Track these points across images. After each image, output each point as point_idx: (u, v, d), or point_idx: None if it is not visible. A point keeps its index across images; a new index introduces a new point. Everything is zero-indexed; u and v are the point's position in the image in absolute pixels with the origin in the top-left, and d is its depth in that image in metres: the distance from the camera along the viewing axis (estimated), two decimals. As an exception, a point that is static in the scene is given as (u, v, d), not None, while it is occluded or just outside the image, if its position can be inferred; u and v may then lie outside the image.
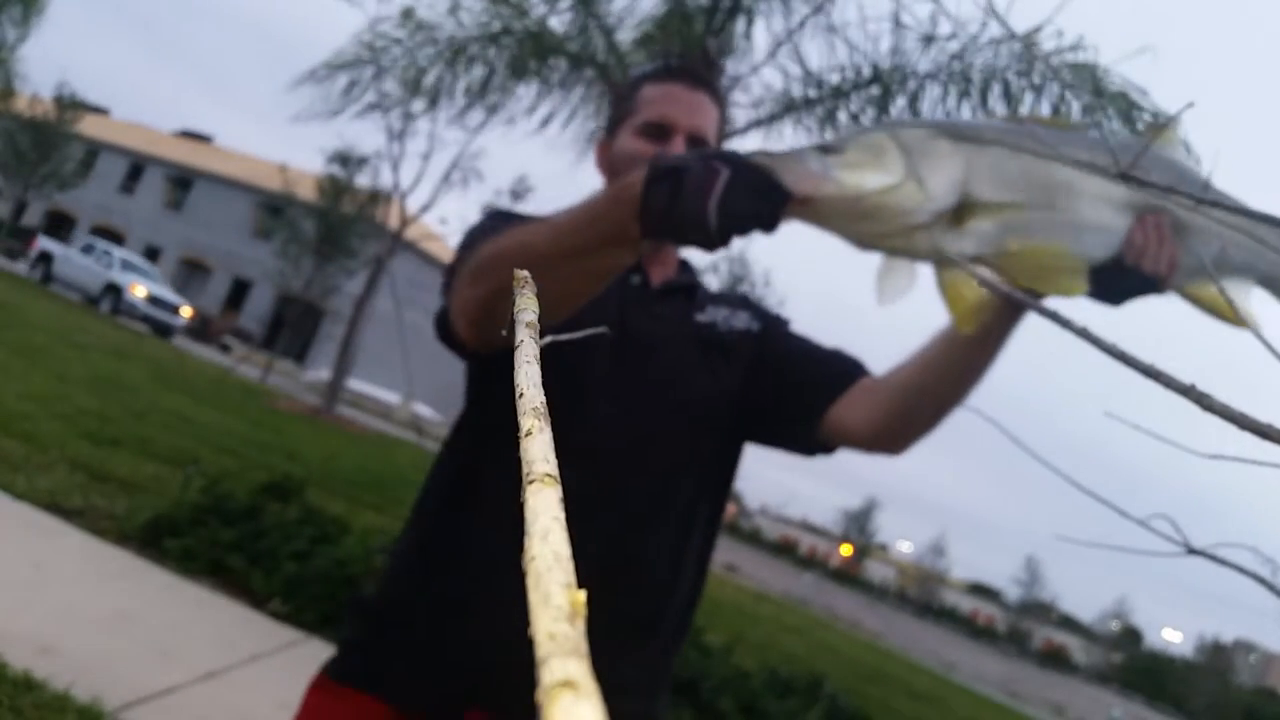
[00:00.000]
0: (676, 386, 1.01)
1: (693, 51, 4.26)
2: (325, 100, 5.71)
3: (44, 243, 19.63)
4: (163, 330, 18.17)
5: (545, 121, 5.09)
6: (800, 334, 1.11)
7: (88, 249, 19.13)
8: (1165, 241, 0.76)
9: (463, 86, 5.12)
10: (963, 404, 0.93)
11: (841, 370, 1.04)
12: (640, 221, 0.71)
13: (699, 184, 0.67)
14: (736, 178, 0.67)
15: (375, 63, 5.39)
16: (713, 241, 0.69)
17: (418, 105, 5.39)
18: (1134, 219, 0.76)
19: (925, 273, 0.78)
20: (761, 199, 0.67)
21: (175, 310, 18.62)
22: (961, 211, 0.72)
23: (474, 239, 0.97)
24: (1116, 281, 0.77)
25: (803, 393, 1.04)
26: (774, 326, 1.11)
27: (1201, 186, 0.78)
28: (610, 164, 1.05)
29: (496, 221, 1.03)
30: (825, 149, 0.70)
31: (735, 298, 1.13)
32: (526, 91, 5.09)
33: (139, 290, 17.72)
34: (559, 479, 0.36)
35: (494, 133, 5.18)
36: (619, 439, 0.95)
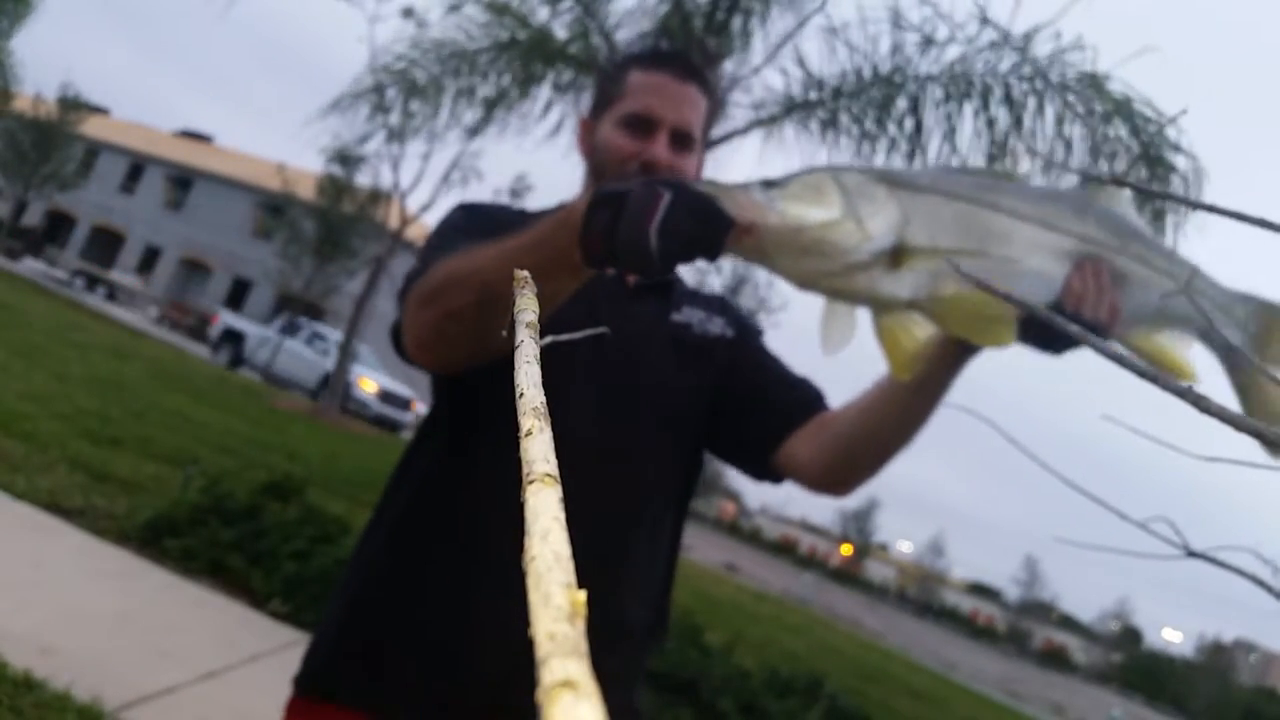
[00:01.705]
0: (654, 387, 0.99)
1: (694, 51, 4.26)
2: (350, 127, 5.85)
3: (229, 319, 16.04)
4: (392, 427, 15.11)
5: (557, 128, 5.10)
6: (772, 352, 1.09)
7: (291, 328, 15.73)
8: (1105, 289, 0.76)
9: (479, 97, 5.14)
10: (904, 449, 0.93)
11: (805, 400, 1.03)
12: (581, 247, 0.70)
13: (640, 208, 0.66)
14: (678, 201, 0.66)
15: (394, 86, 5.44)
16: (653, 266, 0.67)
17: (436, 120, 5.42)
18: (1072, 266, 0.77)
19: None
20: (704, 223, 0.67)
21: (407, 405, 15.54)
22: (898, 255, 0.73)
23: (439, 240, 0.96)
24: (1043, 329, 0.75)
25: (766, 416, 1.03)
26: (748, 337, 1.09)
27: (1145, 239, 0.79)
28: (592, 150, 1.02)
29: (466, 218, 1.01)
30: (768, 184, 0.71)
31: (712, 299, 1.11)
32: (537, 98, 5.10)
33: (369, 385, 14.85)
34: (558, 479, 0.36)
35: (509, 140, 5.17)
36: (595, 440, 0.93)
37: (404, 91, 5.43)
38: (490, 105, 5.12)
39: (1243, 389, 0.82)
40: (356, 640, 0.96)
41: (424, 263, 0.92)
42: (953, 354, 0.83)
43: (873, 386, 0.93)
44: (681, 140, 0.98)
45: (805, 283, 0.73)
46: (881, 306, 0.75)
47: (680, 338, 1.03)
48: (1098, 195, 0.81)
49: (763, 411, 1.03)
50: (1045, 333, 0.76)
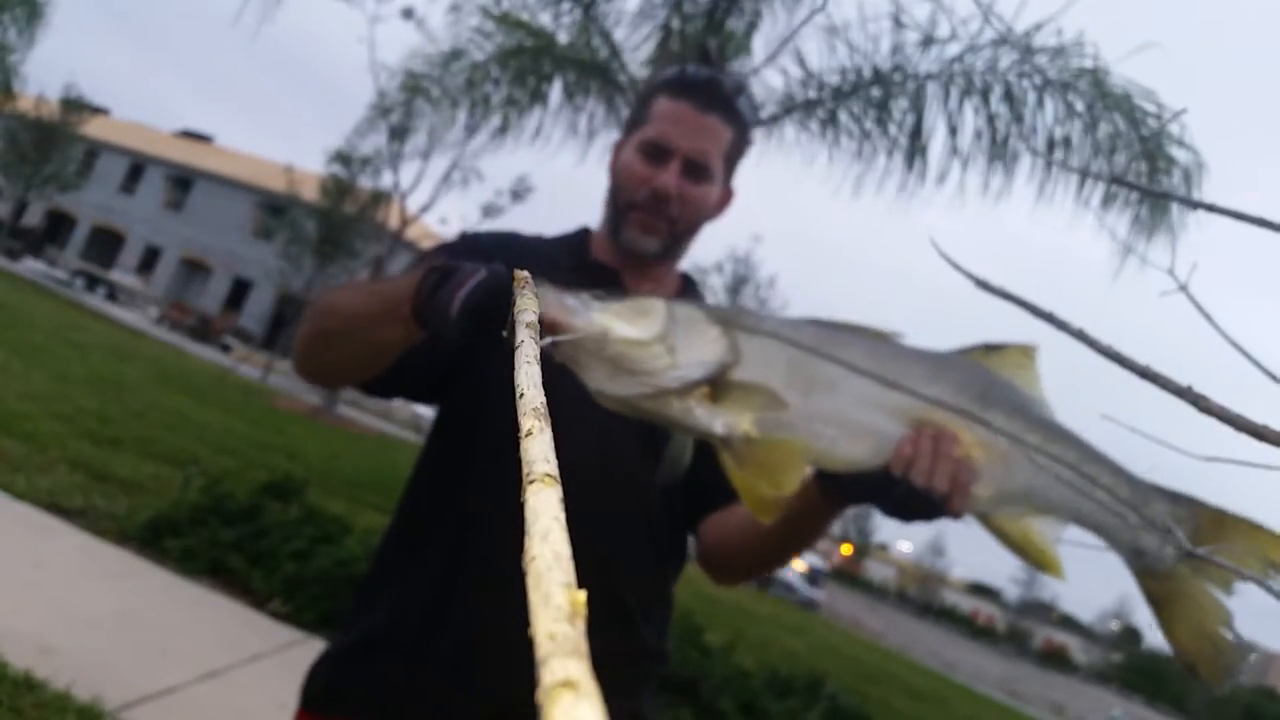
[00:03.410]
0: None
1: (694, 52, 4.26)
2: (365, 140, 5.91)
3: None
4: (807, 606, 13.54)
5: (570, 129, 5.11)
6: None
7: None
8: (941, 456, 0.72)
9: (493, 105, 5.16)
10: (772, 570, 0.97)
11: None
12: (411, 302, 0.78)
13: (458, 280, 0.74)
14: (487, 280, 0.73)
15: (408, 102, 5.49)
16: (450, 329, 0.74)
17: (452, 131, 5.45)
18: (911, 429, 0.74)
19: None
20: (503, 303, 0.72)
21: (817, 581, 13.95)
22: (717, 391, 0.73)
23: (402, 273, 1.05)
24: (886, 491, 0.74)
25: (706, 483, 1.02)
26: None
27: (1044, 421, 0.74)
28: (615, 168, 1.05)
29: (440, 254, 1.04)
30: (601, 298, 0.74)
31: None
32: (548, 103, 5.11)
33: (797, 564, 13.11)
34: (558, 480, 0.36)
35: (523, 147, 5.19)
36: (587, 459, 0.93)
37: (417, 106, 5.46)
38: (505, 113, 5.14)
39: (1161, 602, 0.74)
40: (364, 649, 0.97)
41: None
42: (818, 505, 0.82)
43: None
44: (694, 170, 1.00)
45: (617, 402, 0.73)
46: (731, 452, 0.74)
47: None
48: (988, 361, 0.77)
49: (706, 478, 1.02)
50: (878, 493, 0.75)
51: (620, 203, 1.02)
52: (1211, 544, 0.74)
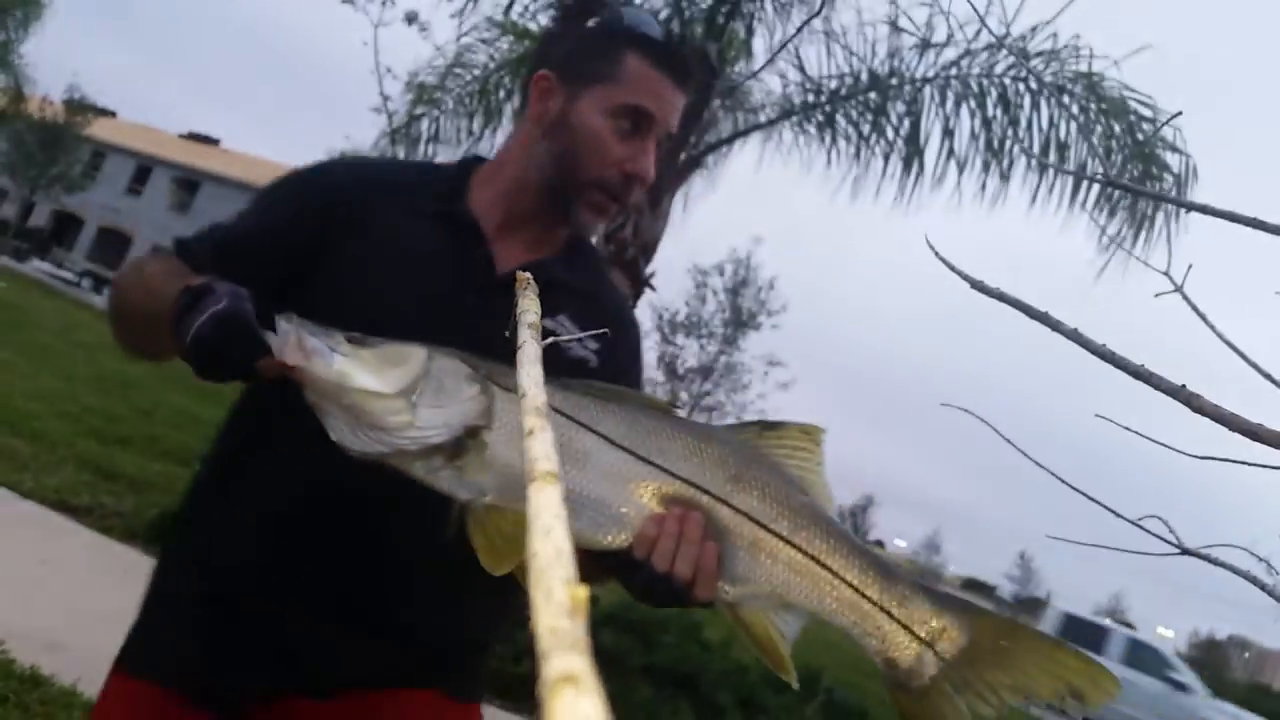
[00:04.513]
0: None
1: (693, 54, 4.27)
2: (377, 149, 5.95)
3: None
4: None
5: None
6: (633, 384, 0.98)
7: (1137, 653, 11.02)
8: (688, 541, 0.67)
9: (510, 111, 5.19)
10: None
11: None
12: (168, 318, 0.74)
13: (204, 305, 0.70)
14: (223, 311, 0.69)
15: (429, 110, 5.53)
16: (185, 354, 0.72)
17: (471, 135, 5.49)
18: (662, 509, 0.69)
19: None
20: (234, 340, 0.69)
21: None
22: (465, 451, 0.69)
23: (244, 209, 1.01)
24: (631, 574, 0.69)
25: None
26: (613, 363, 0.94)
27: (799, 508, 0.70)
28: (569, 124, 0.91)
29: (276, 190, 1.00)
30: (357, 340, 0.70)
31: (602, 307, 0.96)
32: None
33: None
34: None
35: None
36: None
37: (428, 115, 5.50)
38: (518, 120, 5.17)
39: (919, 716, 0.69)
40: (175, 603, 0.97)
41: (204, 232, 0.97)
42: (596, 561, 0.76)
43: None
44: (658, 147, 0.93)
45: (357, 450, 0.69)
46: (476, 509, 0.70)
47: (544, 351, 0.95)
48: (762, 440, 0.72)
49: None
50: (625, 576, 0.70)
51: (580, 175, 0.90)
52: (990, 658, 0.67)
